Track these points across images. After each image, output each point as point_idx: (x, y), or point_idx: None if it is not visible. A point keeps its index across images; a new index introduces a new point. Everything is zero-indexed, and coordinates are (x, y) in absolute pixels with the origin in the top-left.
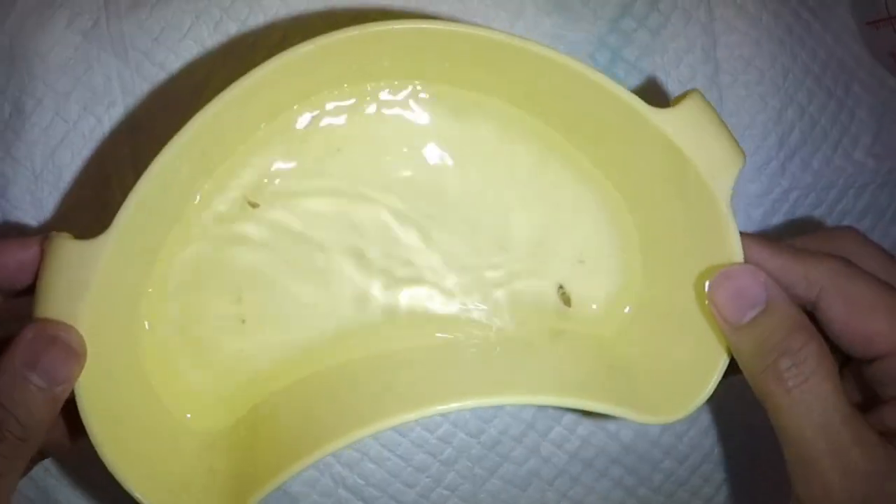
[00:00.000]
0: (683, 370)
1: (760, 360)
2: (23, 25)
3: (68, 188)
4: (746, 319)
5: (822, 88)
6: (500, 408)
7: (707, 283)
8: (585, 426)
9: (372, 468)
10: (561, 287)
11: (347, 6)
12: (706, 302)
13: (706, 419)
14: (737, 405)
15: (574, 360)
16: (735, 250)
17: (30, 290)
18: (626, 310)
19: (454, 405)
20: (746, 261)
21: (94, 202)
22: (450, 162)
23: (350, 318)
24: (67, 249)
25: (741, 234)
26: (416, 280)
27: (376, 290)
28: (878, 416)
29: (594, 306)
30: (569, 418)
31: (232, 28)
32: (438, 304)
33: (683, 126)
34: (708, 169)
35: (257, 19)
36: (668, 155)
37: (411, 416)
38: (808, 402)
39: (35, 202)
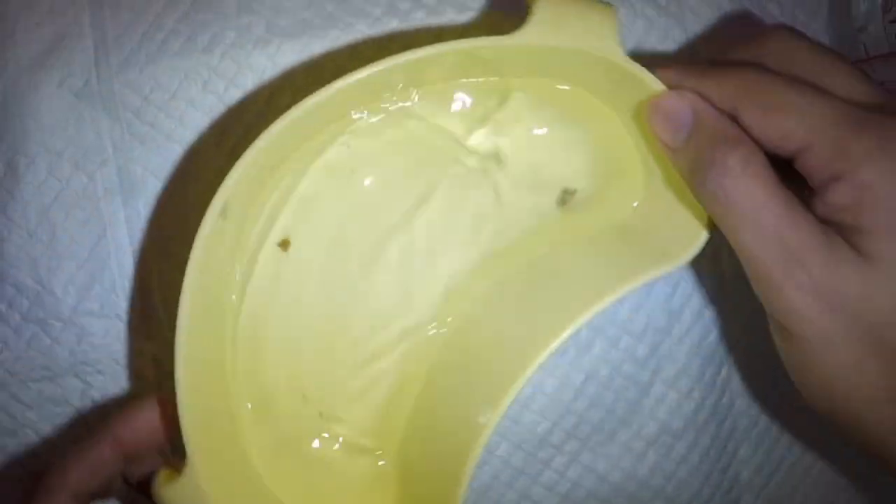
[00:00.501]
0: (683, 228)
1: (696, 176)
2: (16, 84)
3: (62, 245)
4: (681, 141)
5: None
6: (491, 453)
7: (645, 118)
8: (575, 469)
9: None
10: (565, 191)
11: (334, 48)
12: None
13: (695, 459)
14: (723, 445)
15: (604, 252)
16: (653, 85)
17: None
18: (634, 204)
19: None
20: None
21: (89, 258)
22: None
23: (409, 318)
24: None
25: (659, 69)
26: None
27: (412, 291)
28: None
29: (607, 207)
30: (558, 461)
31: (220, 86)
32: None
33: (546, 30)
34: (592, 46)
35: (245, 78)
36: (567, 59)
37: (555, 343)
38: (745, 209)
39: (30, 260)
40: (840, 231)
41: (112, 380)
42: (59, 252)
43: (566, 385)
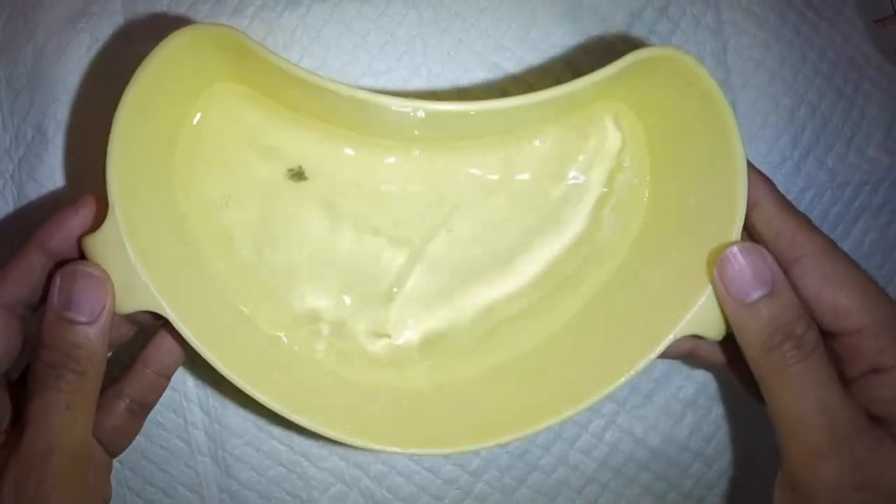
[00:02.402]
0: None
1: (765, 341)
2: (45, 48)
3: None
4: (751, 299)
5: (832, 87)
6: None
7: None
8: (613, 432)
9: (401, 482)
10: None
11: (365, 9)
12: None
13: (735, 421)
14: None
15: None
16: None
17: None
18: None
19: None
20: (750, 196)
21: None
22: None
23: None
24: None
25: (752, 168)
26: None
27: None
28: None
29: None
30: (596, 424)
31: None
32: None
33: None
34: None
35: (275, 39)
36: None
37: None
38: (808, 383)
39: None
40: (876, 419)
41: None
42: None
43: None
